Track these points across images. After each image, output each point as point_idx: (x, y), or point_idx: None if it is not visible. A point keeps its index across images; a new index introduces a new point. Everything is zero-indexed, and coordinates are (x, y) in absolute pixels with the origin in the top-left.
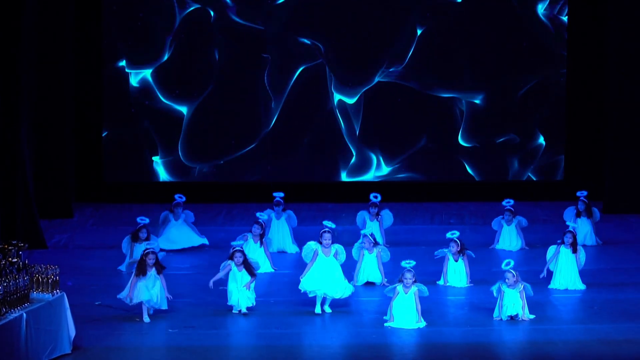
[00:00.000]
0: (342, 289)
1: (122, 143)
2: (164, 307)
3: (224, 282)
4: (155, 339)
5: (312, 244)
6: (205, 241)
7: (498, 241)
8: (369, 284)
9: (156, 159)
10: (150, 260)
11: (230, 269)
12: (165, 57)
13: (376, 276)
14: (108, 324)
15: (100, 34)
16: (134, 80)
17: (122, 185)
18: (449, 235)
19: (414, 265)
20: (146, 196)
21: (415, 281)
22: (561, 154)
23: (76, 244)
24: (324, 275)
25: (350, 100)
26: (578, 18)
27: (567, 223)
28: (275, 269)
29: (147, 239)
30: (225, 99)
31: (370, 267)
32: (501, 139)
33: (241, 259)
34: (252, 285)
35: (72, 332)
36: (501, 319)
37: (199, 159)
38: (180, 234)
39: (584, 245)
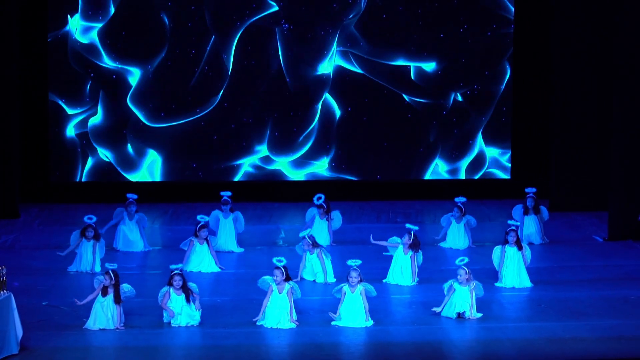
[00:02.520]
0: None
1: (68, 142)
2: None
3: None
4: (103, 338)
5: (267, 278)
6: (148, 248)
7: (445, 239)
8: (315, 282)
9: (104, 152)
10: (106, 282)
11: (169, 298)
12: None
13: (319, 276)
14: (56, 324)
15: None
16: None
17: (68, 185)
18: (408, 225)
19: (359, 264)
20: (93, 196)
21: (361, 280)
22: (508, 151)
23: (22, 245)
24: (278, 311)
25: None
26: (523, 18)
27: (509, 222)
28: (221, 268)
29: (95, 238)
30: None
31: (315, 267)
32: (445, 139)
33: (180, 283)
34: (197, 302)
35: (20, 333)
36: (448, 317)
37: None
38: (133, 236)
39: (531, 244)
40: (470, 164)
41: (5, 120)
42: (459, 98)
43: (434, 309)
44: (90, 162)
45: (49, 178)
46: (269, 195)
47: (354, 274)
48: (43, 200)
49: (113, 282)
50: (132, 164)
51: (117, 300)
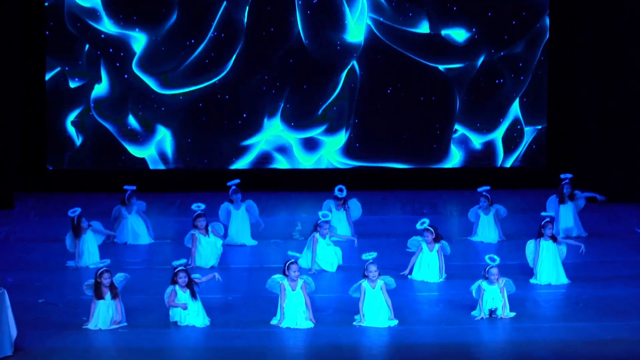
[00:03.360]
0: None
1: (68, 126)
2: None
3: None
4: (104, 339)
5: (277, 277)
6: (151, 241)
7: (476, 232)
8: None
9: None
10: (106, 280)
11: (176, 296)
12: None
13: (331, 265)
14: (53, 323)
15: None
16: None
17: (67, 173)
18: (418, 226)
19: (376, 257)
20: (93, 185)
21: (379, 274)
22: (544, 139)
23: (17, 237)
24: (294, 310)
25: None
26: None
27: (543, 214)
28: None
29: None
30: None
31: (326, 255)
32: (479, 123)
33: (186, 280)
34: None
35: (14, 333)
36: (483, 318)
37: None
38: (139, 228)
39: (568, 237)
40: (504, 140)
41: (0, 104)
42: (492, 65)
43: (477, 317)
44: (92, 148)
45: (46, 165)
46: (285, 184)
47: (372, 267)
48: (40, 189)
49: (109, 281)
50: (138, 141)
51: (115, 295)
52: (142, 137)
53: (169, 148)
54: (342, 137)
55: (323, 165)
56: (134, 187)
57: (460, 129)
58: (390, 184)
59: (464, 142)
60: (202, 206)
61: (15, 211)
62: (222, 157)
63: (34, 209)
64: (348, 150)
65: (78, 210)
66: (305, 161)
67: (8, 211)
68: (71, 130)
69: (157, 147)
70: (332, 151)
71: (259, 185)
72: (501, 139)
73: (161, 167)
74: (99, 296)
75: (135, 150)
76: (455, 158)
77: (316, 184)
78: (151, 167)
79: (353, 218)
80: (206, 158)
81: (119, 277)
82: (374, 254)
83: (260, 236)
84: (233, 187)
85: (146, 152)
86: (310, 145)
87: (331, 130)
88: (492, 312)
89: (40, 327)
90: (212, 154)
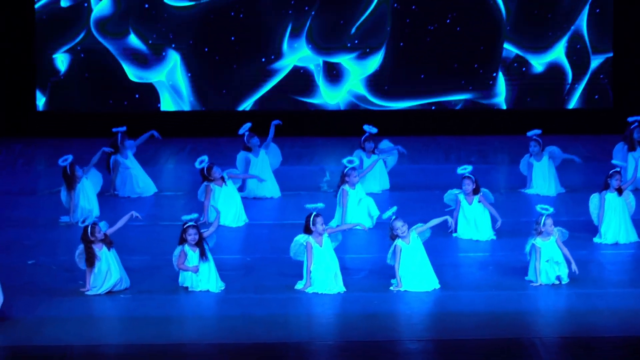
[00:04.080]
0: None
1: (58, 62)
2: (128, 284)
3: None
4: (102, 306)
5: (300, 238)
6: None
7: (531, 184)
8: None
9: None
10: (99, 234)
11: (187, 257)
12: None
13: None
14: (45, 288)
15: None
16: None
17: (59, 114)
18: (460, 170)
19: (398, 212)
20: (88, 128)
21: (408, 227)
22: (609, 77)
23: (2, 190)
24: (325, 271)
25: None
26: None
27: (613, 162)
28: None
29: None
30: None
31: (358, 210)
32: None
33: (196, 237)
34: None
35: (0, 299)
36: (541, 284)
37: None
38: (142, 178)
39: (638, 190)
40: (560, 91)
41: None
42: None
43: (532, 282)
44: (87, 84)
45: (35, 105)
46: (310, 128)
47: (398, 224)
48: (28, 133)
49: (102, 236)
50: (145, 65)
51: (109, 244)
52: (149, 62)
53: (180, 80)
54: (375, 62)
55: (351, 106)
56: (124, 129)
57: (513, 50)
58: (431, 128)
59: (516, 73)
60: (206, 159)
61: (0, 159)
62: (236, 93)
63: (21, 157)
64: (382, 83)
65: (69, 157)
66: (331, 98)
67: None
68: (63, 62)
69: (167, 77)
70: (362, 84)
71: (281, 129)
72: (561, 71)
73: (170, 107)
74: (92, 263)
75: (138, 81)
76: (503, 94)
77: (346, 127)
78: (161, 107)
79: (388, 167)
80: (218, 93)
81: (102, 226)
82: (393, 209)
83: (283, 188)
84: (246, 133)
85: (154, 78)
86: (337, 75)
87: (363, 56)
88: (559, 279)
89: (30, 293)
90: (228, 86)
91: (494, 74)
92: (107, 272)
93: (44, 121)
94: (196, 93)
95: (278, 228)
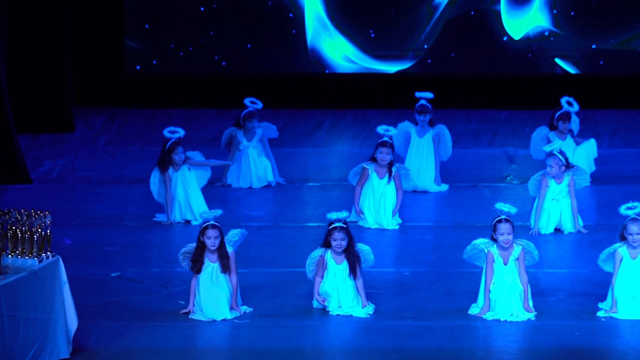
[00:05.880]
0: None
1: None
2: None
3: None
4: (209, 335)
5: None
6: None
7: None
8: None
9: None
10: (210, 240)
11: (326, 266)
12: None
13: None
14: (132, 310)
15: None
16: None
17: (154, 78)
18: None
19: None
20: (193, 97)
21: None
22: None
23: (79, 176)
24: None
25: None
26: None
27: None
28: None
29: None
30: None
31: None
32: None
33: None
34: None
35: (73, 325)
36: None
37: None
38: (260, 163)
39: None
40: None
41: None
42: None
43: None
44: (187, 41)
45: (123, 67)
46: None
47: (634, 228)
48: (114, 103)
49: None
50: None
51: (225, 267)
52: None
53: None
54: None
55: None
56: (259, 105)
57: None
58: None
59: None
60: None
61: (76, 136)
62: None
63: (105, 133)
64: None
65: (180, 132)
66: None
67: (66, 136)
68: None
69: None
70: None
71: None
72: None
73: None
74: (198, 269)
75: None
76: None
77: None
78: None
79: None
80: None
81: (233, 236)
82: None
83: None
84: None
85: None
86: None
87: None
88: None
89: (113, 316)
90: None
91: None
92: (213, 297)
93: (134, 86)
94: None
95: (440, 230)
